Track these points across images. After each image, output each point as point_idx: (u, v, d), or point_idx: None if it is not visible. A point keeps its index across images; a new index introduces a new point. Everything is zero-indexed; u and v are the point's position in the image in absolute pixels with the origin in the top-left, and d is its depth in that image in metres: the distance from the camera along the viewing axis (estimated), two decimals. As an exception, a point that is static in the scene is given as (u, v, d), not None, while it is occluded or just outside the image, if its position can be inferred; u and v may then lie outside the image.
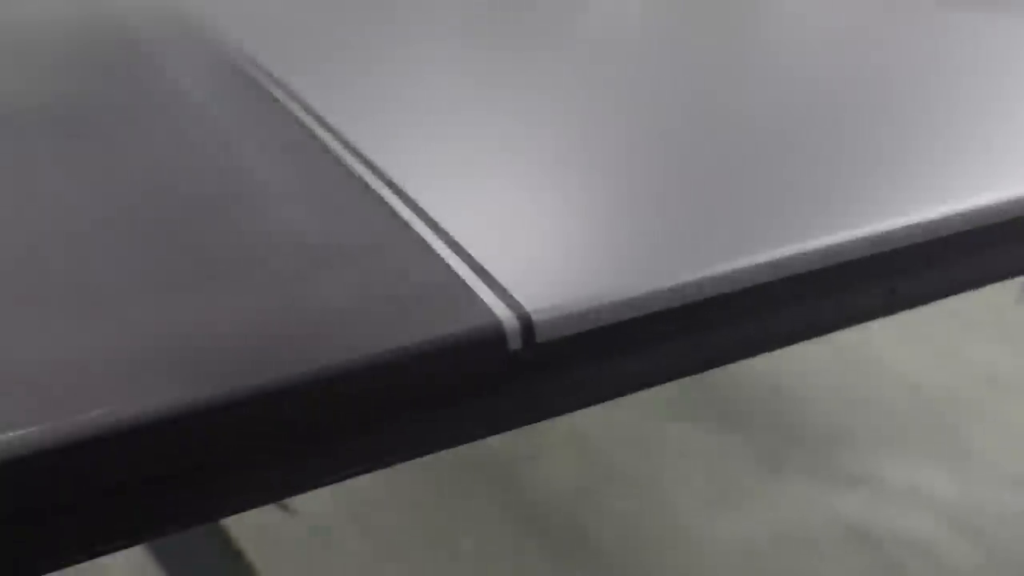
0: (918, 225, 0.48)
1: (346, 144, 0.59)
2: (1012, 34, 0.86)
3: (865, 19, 0.94)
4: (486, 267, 0.42)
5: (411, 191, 0.52)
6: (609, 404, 0.50)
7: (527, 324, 0.38)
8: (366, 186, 0.53)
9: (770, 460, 1.86)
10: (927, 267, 0.52)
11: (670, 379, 0.48)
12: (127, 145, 0.58)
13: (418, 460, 0.41)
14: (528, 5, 0.95)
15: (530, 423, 0.44)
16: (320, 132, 0.60)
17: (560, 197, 0.55)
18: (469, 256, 0.44)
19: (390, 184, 0.54)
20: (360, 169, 0.55)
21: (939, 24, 0.89)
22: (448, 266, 0.42)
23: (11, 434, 0.29)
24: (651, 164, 0.64)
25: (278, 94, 0.65)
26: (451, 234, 0.46)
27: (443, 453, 0.41)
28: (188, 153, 0.57)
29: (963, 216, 0.51)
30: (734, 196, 0.56)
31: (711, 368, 0.49)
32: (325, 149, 0.58)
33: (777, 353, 0.50)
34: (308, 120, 0.62)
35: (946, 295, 0.56)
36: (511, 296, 0.39)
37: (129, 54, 0.76)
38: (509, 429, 0.42)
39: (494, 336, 0.37)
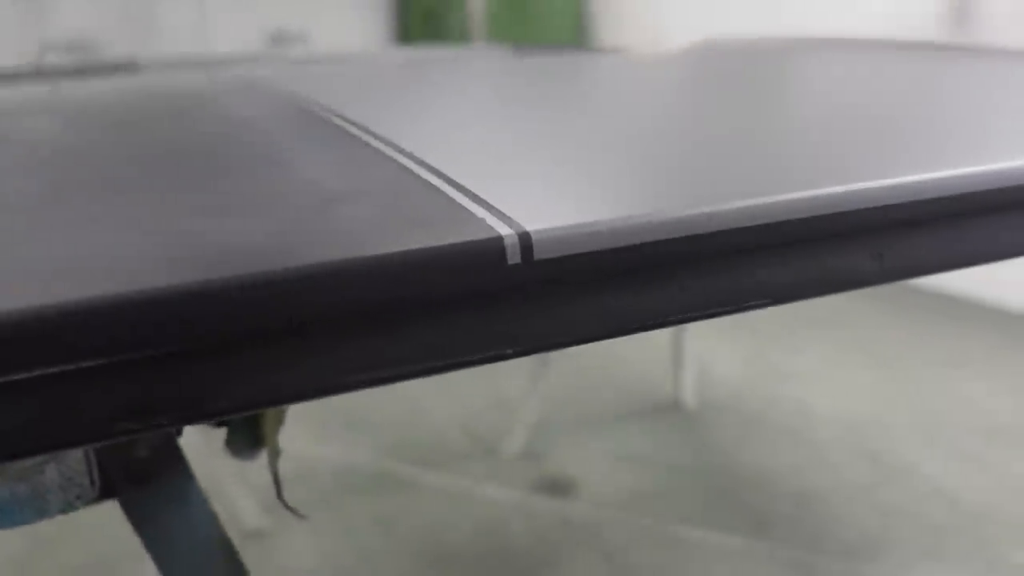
0: (903, 186, 0.52)
1: (368, 131, 0.68)
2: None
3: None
4: (489, 200, 0.46)
5: (421, 154, 0.58)
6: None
7: (526, 241, 0.41)
8: (382, 153, 0.59)
9: (797, 569, 1.84)
10: (914, 234, 0.53)
11: (668, 320, 0.51)
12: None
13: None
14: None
15: (535, 349, 0.46)
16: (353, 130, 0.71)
17: (552, 146, 0.61)
18: (474, 194, 0.48)
19: (403, 152, 0.59)
20: (379, 145, 0.62)
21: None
22: (453, 200, 0.47)
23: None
24: (640, 126, 0.72)
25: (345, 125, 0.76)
26: (457, 179, 0.51)
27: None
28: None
29: (940, 182, 0.54)
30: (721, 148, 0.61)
31: (711, 313, 0.51)
32: (360, 141, 0.68)
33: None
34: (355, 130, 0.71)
35: (937, 270, 0.58)
36: (511, 219, 0.43)
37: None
38: (513, 349, 0.45)
39: (496, 250, 0.41)
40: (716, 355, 3.06)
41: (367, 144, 0.61)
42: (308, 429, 2.54)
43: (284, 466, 0.95)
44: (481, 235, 0.40)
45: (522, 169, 0.55)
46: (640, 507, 2.09)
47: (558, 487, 2.23)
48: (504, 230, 0.40)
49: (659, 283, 0.46)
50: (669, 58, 1.56)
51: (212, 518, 0.81)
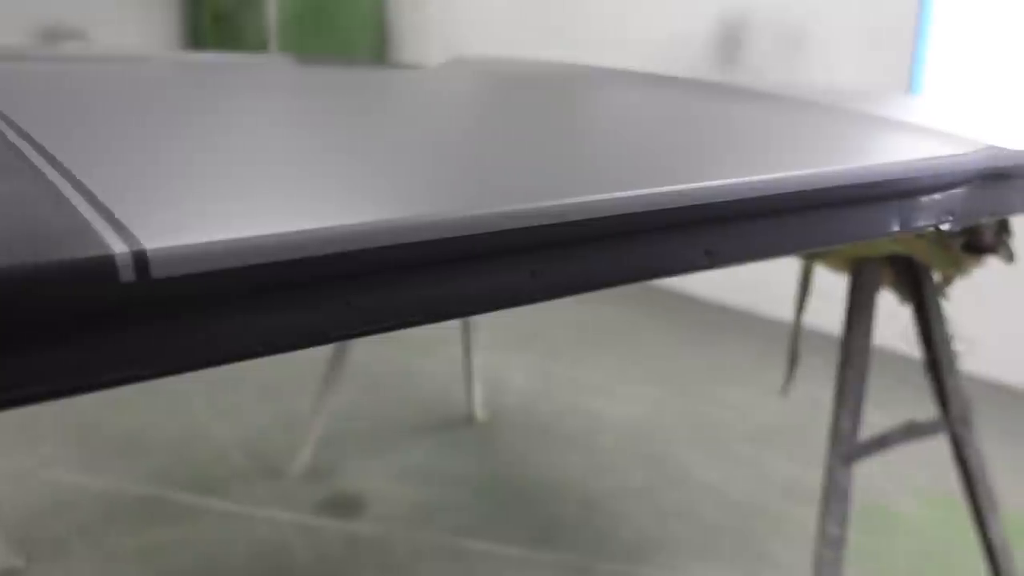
0: (558, 207, 0.52)
1: (28, 137, 0.63)
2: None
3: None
4: (120, 216, 0.42)
5: (71, 165, 0.53)
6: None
7: (142, 259, 0.37)
8: (28, 161, 0.54)
9: (579, 575, 1.90)
10: (569, 252, 0.53)
11: (308, 342, 0.47)
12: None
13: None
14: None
15: (165, 371, 0.42)
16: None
17: (236, 161, 0.58)
18: (107, 209, 0.43)
19: (54, 161, 0.54)
20: (31, 153, 0.57)
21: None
22: (80, 214, 0.43)
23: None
24: (348, 140, 0.70)
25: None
26: (96, 193, 0.47)
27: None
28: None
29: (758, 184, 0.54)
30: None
31: (367, 331, 0.48)
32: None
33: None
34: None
35: (763, 257, 0.58)
36: (134, 235, 0.39)
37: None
38: (142, 371, 0.41)
39: (106, 267, 0.37)
40: (509, 369, 3.11)
41: (20, 152, 0.55)
42: (73, 455, 2.32)
43: (40, 497, 0.84)
44: (92, 252, 0.36)
45: (182, 185, 0.51)
46: (427, 522, 2.07)
47: (345, 505, 2.16)
48: (119, 247, 0.37)
49: (307, 299, 0.43)
50: (426, 74, 1.57)
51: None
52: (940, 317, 1.34)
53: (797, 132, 0.81)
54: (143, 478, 2.25)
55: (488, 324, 3.43)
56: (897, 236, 0.57)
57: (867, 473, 2.32)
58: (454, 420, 2.69)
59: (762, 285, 3.53)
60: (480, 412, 2.69)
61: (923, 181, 0.55)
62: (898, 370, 2.55)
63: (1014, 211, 0.66)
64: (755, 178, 0.50)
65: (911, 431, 1.35)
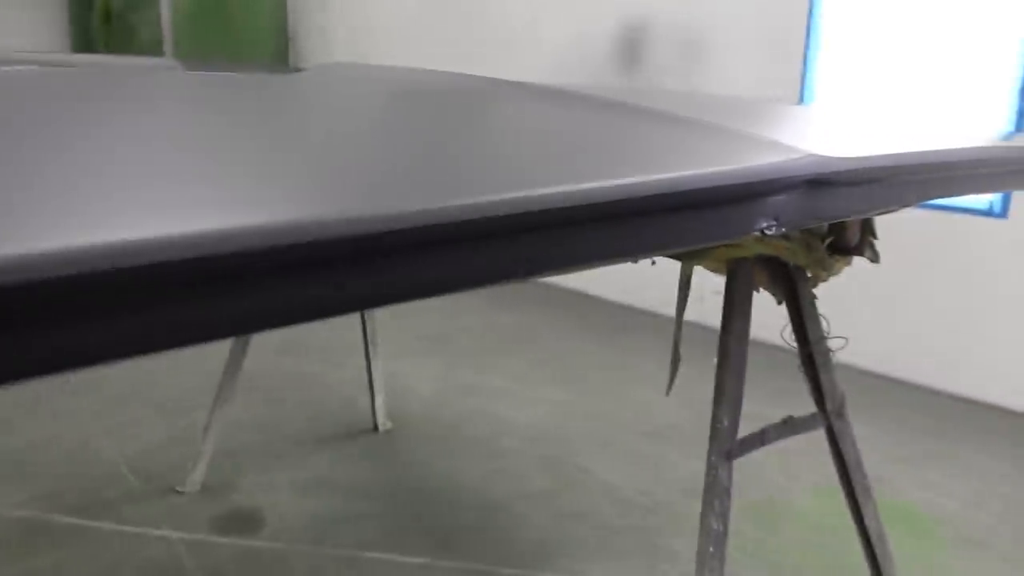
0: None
1: None
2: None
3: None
4: None
5: None
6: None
7: None
8: None
9: None
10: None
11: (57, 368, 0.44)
12: None
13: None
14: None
15: None
16: None
17: (31, 172, 0.55)
18: None
19: None
20: None
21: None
22: None
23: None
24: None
25: None
26: None
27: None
28: None
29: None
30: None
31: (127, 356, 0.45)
32: None
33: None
34: None
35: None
36: None
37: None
38: None
39: None
40: (414, 376, 3.08)
41: None
42: (-55, 482, 2.20)
43: None
44: None
45: (15, 197, 0.49)
46: (327, 535, 2.03)
47: (242, 521, 2.11)
48: None
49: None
50: (294, 80, 1.54)
51: None
52: (814, 316, 1.39)
53: (627, 142, 0.83)
54: (25, 502, 2.14)
55: (395, 332, 3.40)
56: (724, 241, 0.59)
57: (762, 468, 2.39)
58: (357, 430, 2.65)
59: (666, 286, 3.60)
60: (384, 421, 2.66)
61: (736, 189, 0.58)
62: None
63: (840, 215, 0.69)
64: (542, 191, 0.51)
65: (789, 426, 1.39)
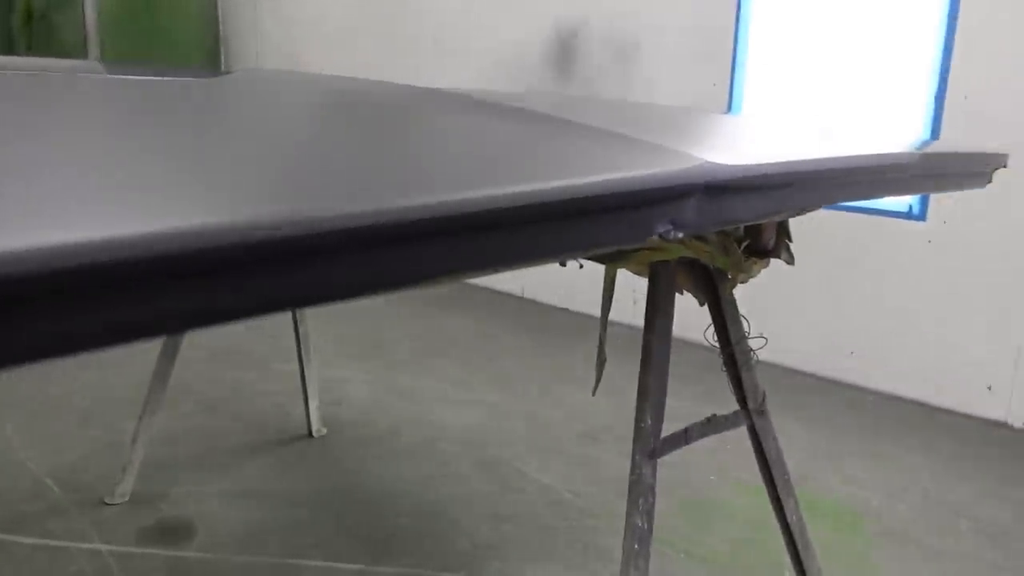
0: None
1: None
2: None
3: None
4: None
5: None
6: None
7: None
8: None
9: None
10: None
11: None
12: None
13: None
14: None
15: None
16: None
17: None
18: None
19: None
20: None
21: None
22: None
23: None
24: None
25: None
26: None
27: None
28: None
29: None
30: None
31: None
32: None
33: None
34: None
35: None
36: None
37: None
38: None
39: None
40: (349, 382, 3.07)
41: None
42: None
43: None
44: None
45: None
46: (260, 544, 2.01)
47: (172, 532, 2.07)
48: None
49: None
50: (214, 85, 1.54)
51: None
52: (735, 317, 1.43)
53: (531, 150, 0.85)
54: (-58, 519, 2.07)
55: (330, 338, 3.38)
56: (624, 245, 0.62)
57: (694, 466, 2.44)
58: (291, 437, 2.63)
59: (599, 289, 3.65)
60: (318, 427, 2.64)
61: (631, 196, 0.60)
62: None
63: (739, 220, 0.72)
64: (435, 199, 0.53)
65: (712, 424, 1.43)
